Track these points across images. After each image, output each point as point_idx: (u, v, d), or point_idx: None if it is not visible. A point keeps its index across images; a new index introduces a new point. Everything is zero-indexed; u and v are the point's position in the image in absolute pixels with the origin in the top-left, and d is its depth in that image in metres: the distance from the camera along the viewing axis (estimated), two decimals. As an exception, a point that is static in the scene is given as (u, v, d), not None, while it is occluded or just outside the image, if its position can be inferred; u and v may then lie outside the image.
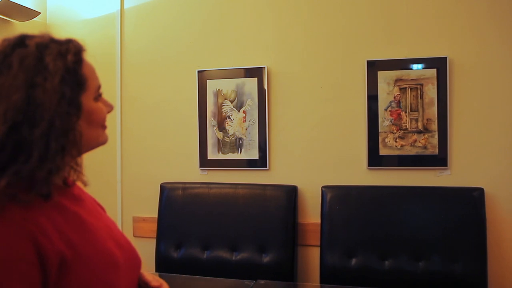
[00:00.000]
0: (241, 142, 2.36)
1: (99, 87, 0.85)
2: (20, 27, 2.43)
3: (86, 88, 0.79)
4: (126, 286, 0.84)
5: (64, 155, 0.74)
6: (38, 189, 0.71)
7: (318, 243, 2.13)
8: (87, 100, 0.79)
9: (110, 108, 0.87)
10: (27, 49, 0.74)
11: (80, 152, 0.81)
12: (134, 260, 0.91)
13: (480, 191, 2.00)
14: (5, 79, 0.71)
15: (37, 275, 0.67)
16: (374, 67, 2.18)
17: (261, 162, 2.33)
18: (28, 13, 2.35)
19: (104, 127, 0.86)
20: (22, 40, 0.76)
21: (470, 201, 2.00)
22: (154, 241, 2.31)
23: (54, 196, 0.74)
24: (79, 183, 0.90)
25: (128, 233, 2.49)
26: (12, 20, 2.37)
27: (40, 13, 2.42)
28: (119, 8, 2.54)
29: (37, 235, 0.68)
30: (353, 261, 2.04)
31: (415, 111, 2.14)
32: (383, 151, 2.17)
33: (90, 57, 0.85)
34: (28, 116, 0.69)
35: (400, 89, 2.15)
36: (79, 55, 0.81)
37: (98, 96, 0.84)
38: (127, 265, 0.85)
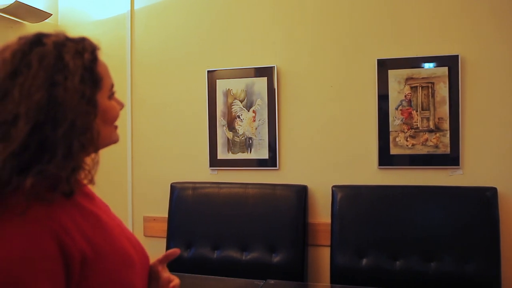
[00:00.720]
0: (251, 141, 2.36)
1: (112, 85, 0.85)
2: (32, 29, 2.45)
3: (102, 86, 0.80)
4: (141, 284, 0.85)
5: (84, 154, 0.75)
6: (62, 187, 0.71)
7: (329, 243, 2.12)
8: (102, 98, 0.80)
9: (121, 106, 0.88)
10: (45, 48, 0.74)
11: (96, 150, 0.81)
12: (145, 259, 0.91)
13: (493, 190, 1.97)
14: (25, 79, 0.70)
15: (61, 273, 0.68)
16: (384, 66, 2.16)
17: (271, 161, 2.33)
18: (40, 15, 2.38)
19: (116, 126, 0.87)
20: (39, 39, 0.76)
21: (483, 201, 1.97)
22: (164, 241, 2.32)
23: (75, 194, 0.75)
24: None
25: (139, 233, 2.51)
26: (24, 22, 2.39)
27: (51, 14, 2.44)
28: (129, 9, 2.56)
29: (60, 234, 0.68)
30: (364, 261, 2.03)
31: (426, 110, 2.12)
32: (394, 151, 2.16)
33: (101, 57, 0.86)
34: (51, 116, 0.69)
35: (411, 87, 2.13)
36: (95, 53, 0.81)
37: (111, 95, 0.85)
38: (141, 263, 0.86)
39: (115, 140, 0.87)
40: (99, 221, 0.79)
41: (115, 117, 0.85)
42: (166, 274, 0.95)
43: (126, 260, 0.80)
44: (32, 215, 0.68)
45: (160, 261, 0.96)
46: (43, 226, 0.68)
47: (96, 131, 0.76)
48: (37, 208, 0.69)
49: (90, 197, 0.85)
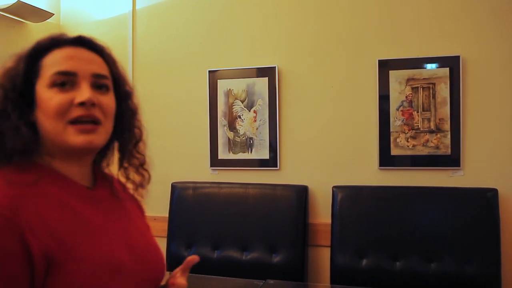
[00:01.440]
0: (251, 141, 2.36)
1: (56, 72, 0.81)
2: (34, 28, 2.46)
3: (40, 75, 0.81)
4: None
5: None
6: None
7: (329, 243, 2.12)
8: (40, 87, 0.80)
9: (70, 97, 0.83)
10: None
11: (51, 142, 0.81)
12: (151, 270, 0.87)
13: (494, 191, 1.97)
14: None
15: (21, 269, 0.66)
16: (385, 66, 2.16)
17: (271, 162, 2.33)
18: (42, 15, 2.38)
19: (71, 123, 0.80)
20: None
21: (484, 202, 1.97)
22: (165, 241, 2.32)
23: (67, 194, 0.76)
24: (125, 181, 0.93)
25: (140, 232, 2.50)
26: (26, 22, 2.40)
27: (53, 14, 2.45)
28: (131, 9, 2.56)
29: (24, 232, 0.66)
30: (364, 261, 2.02)
31: (427, 111, 2.12)
32: (394, 151, 2.16)
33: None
34: None
35: (412, 88, 2.13)
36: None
37: (52, 83, 0.80)
38: (138, 273, 0.81)
39: (66, 141, 0.77)
40: (85, 224, 0.76)
41: (49, 111, 0.77)
42: (173, 280, 0.93)
43: (109, 266, 0.75)
44: None
45: (182, 269, 0.96)
46: (8, 222, 0.66)
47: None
48: (4, 205, 0.67)
49: (97, 199, 0.84)
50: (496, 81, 2.05)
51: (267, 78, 2.33)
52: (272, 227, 2.18)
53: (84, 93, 0.77)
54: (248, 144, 2.36)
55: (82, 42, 0.83)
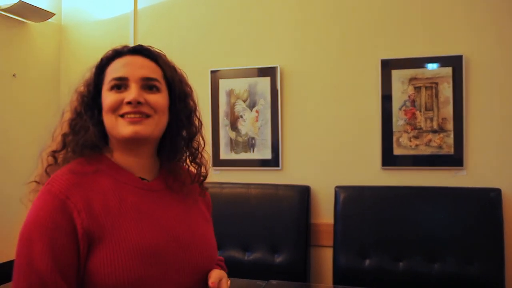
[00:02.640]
0: (253, 141, 2.35)
1: (112, 79, 0.94)
2: (35, 28, 2.46)
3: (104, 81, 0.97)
4: (166, 279, 0.87)
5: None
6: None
7: (331, 243, 2.11)
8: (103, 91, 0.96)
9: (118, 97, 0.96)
10: None
11: (112, 136, 0.95)
12: (195, 258, 0.93)
13: (497, 191, 1.96)
14: None
15: (69, 241, 0.81)
16: (388, 66, 2.15)
17: (273, 161, 2.32)
18: (43, 14, 2.38)
19: (119, 116, 0.92)
20: None
21: (487, 202, 1.96)
22: (167, 241, 2.32)
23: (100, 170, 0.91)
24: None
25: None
26: (28, 21, 2.40)
27: (54, 14, 2.45)
28: (132, 8, 2.56)
29: (73, 212, 0.82)
30: (367, 262, 2.02)
31: (430, 110, 2.11)
32: (397, 151, 2.15)
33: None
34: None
35: (415, 88, 2.12)
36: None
37: (111, 87, 0.94)
38: (181, 259, 0.90)
39: (119, 132, 0.91)
40: (128, 209, 0.88)
41: (104, 108, 0.92)
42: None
43: (147, 249, 0.85)
44: (54, 192, 0.83)
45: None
46: (61, 203, 0.82)
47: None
48: (59, 188, 0.84)
49: (153, 189, 0.94)
50: (499, 81, 2.04)
51: (269, 77, 2.32)
52: (275, 228, 2.17)
53: (131, 94, 0.90)
54: (250, 144, 2.36)
55: (140, 51, 0.97)
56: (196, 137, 1.05)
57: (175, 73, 1.02)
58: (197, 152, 1.04)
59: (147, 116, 0.91)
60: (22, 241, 0.82)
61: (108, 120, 0.92)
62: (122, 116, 0.90)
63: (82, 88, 0.96)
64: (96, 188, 0.87)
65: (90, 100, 0.94)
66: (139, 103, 0.90)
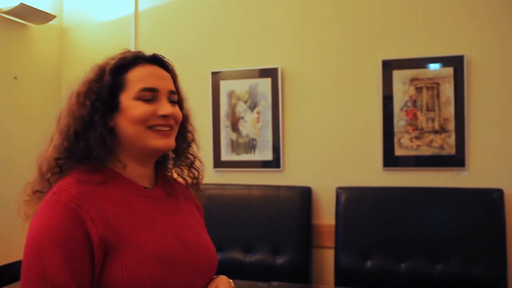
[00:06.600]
0: (254, 143, 2.35)
1: (142, 89, 0.94)
2: (37, 31, 2.46)
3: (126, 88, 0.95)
4: (181, 282, 0.88)
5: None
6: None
7: (333, 244, 2.11)
8: (126, 99, 0.94)
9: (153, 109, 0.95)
10: None
11: (133, 148, 0.94)
12: (202, 261, 0.95)
13: (499, 192, 1.95)
14: None
15: (83, 251, 0.79)
16: (389, 66, 2.15)
17: (275, 163, 2.32)
18: (45, 17, 2.39)
19: (153, 129, 0.93)
20: None
21: (489, 203, 1.96)
22: (168, 242, 2.32)
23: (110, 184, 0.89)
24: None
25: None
26: (29, 24, 2.40)
27: (56, 16, 2.45)
28: (133, 10, 2.56)
29: (86, 221, 0.80)
30: (369, 263, 2.01)
31: (431, 111, 2.10)
32: (398, 152, 2.14)
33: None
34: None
35: (416, 88, 2.12)
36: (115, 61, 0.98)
37: (139, 97, 0.94)
38: (190, 263, 0.92)
39: (148, 143, 0.90)
40: (140, 217, 0.88)
41: (133, 117, 0.89)
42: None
43: (160, 254, 0.85)
44: (65, 202, 0.80)
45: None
46: (73, 212, 0.80)
47: (116, 126, 0.90)
48: (71, 197, 0.81)
49: (154, 197, 0.95)
50: (501, 81, 2.04)
51: (270, 79, 2.32)
52: (276, 229, 2.17)
53: (166, 108, 0.92)
54: (251, 145, 2.36)
55: (158, 61, 0.97)
56: (194, 142, 1.07)
57: (178, 82, 1.04)
58: (194, 157, 1.07)
59: (172, 128, 0.94)
60: (31, 253, 0.79)
61: (134, 130, 0.90)
62: (150, 127, 0.90)
63: (89, 92, 0.90)
64: (105, 197, 0.86)
65: (102, 105, 0.89)
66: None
